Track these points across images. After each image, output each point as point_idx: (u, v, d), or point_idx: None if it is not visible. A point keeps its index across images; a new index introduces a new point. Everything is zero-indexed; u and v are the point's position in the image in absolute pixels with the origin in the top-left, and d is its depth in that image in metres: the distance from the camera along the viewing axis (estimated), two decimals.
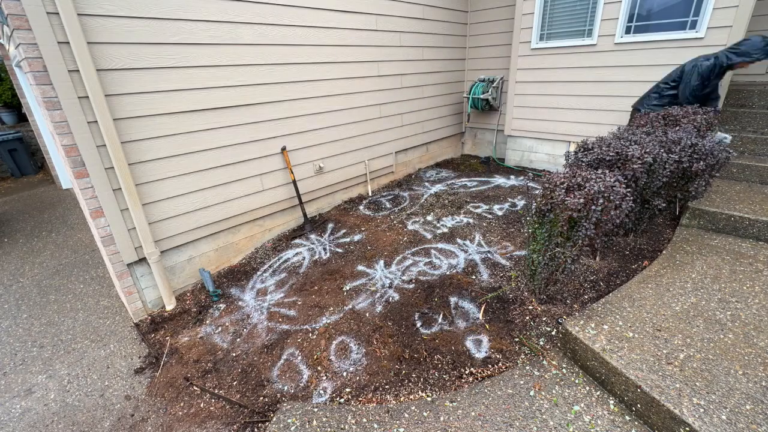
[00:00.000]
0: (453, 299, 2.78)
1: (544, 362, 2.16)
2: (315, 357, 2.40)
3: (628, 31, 4.07)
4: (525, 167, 5.47)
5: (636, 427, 1.75)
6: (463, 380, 2.15)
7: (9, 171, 7.46)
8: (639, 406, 1.77)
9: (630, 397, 1.81)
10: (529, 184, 4.79)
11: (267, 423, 2.01)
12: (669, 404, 1.64)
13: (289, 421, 1.93)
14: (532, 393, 1.97)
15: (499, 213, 4.07)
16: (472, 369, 2.21)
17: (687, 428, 1.57)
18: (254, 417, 2.07)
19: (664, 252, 2.85)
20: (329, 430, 1.87)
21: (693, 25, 3.69)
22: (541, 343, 2.31)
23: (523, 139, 5.41)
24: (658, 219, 3.39)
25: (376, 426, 1.88)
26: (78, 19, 2.30)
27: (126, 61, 2.59)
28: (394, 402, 2.06)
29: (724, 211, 3.00)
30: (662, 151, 2.53)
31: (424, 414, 1.92)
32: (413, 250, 3.50)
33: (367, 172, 4.79)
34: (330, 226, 4.10)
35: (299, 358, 2.43)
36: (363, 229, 3.99)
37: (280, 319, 2.79)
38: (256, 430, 2.01)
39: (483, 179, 5.17)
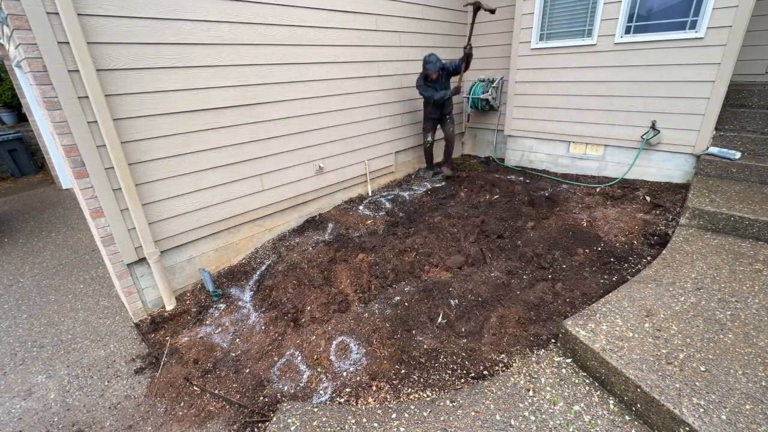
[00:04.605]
0: (453, 300, 2.78)
1: (544, 362, 2.16)
2: (315, 357, 2.40)
3: (628, 31, 4.07)
4: (525, 167, 5.46)
5: (636, 426, 1.75)
6: (463, 380, 2.15)
7: (9, 171, 7.46)
8: (639, 405, 1.77)
9: (630, 397, 1.81)
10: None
11: (267, 423, 2.01)
12: (669, 404, 1.64)
13: (289, 421, 1.93)
14: (531, 393, 1.97)
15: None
16: (473, 368, 2.21)
17: (687, 428, 1.57)
18: (254, 417, 2.08)
19: (664, 252, 2.86)
20: (329, 430, 1.87)
21: (693, 25, 3.69)
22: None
23: (523, 139, 5.40)
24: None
25: (376, 425, 1.88)
26: (78, 19, 2.30)
27: (126, 61, 2.59)
28: (394, 402, 2.06)
29: (724, 211, 3.01)
30: None
31: (424, 414, 1.92)
32: None
33: (367, 172, 4.79)
34: (330, 225, 4.10)
35: (299, 358, 2.43)
36: (363, 229, 3.98)
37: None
38: (256, 430, 2.01)
39: None
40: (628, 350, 1.94)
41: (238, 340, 2.67)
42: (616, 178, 4.54)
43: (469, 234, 3.60)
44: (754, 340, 1.96)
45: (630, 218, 3.55)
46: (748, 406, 1.62)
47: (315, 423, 1.91)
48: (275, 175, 3.72)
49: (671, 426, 1.63)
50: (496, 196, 4.44)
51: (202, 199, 3.21)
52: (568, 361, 2.14)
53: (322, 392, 2.18)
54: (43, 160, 7.69)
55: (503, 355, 2.29)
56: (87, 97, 2.43)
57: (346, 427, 1.88)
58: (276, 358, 2.45)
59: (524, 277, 2.99)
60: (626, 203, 3.91)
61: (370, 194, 4.90)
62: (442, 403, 1.97)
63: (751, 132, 3.94)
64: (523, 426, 1.80)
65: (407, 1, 4.60)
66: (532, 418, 1.83)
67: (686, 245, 2.90)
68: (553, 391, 1.96)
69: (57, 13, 2.24)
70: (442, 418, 1.88)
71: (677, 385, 1.72)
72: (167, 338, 2.77)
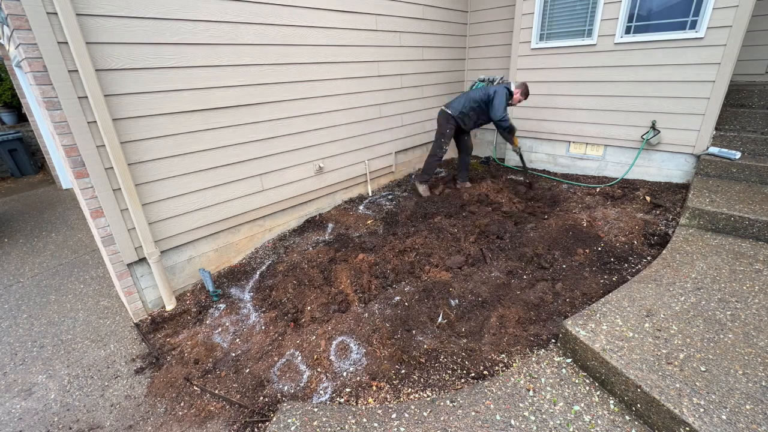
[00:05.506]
0: (453, 300, 2.78)
1: (544, 362, 2.16)
2: (315, 357, 2.40)
3: (628, 31, 4.07)
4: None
5: (636, 426, 1.75)
6: (463, 380, 2.15)
7: (9, 171, 7.46)
8: (639, 406, 1.77)
9: (630, 397, 1.81)
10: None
11: (267, 423, 2.01)
12: (669, 404, 1.64)
13: (290, 421, 1.93)
14: (531, 393, 1.97)
15: None
16: (473, 368, 2.21)
17: (687, 428, 1.57)
18: (254, 417, 2.08)
19: (664, 252, 2.86)
20: (329, 430, 1.87)
21: (693, 25, 3.69)
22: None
23: (523, 139, 5.40)
24: None
25: (376, 425, 1.88)
26: (77, 19, 2.30)
27: (125, 61, 2.59)
28: (394, 402, 2.06)
29: (724, 211, 3.01)
30: None
31: (424, 414, 1.92)
32: None
33: (367, 172, 4.79)
34: (330, 225, 4.10)
35: (299, 358, 2.43)
36: (363, 229, 3.98)
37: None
38: (256, 430, 2.01)
39: None
40: (628, 350, 1.94)
41: (238, 340, 2.67)
42: (616, 178, 4.54)
43: (469, 234, 3.60)
44: (754, 340, 1.96)
45: (630, 218, 3.55)
46: (748, 406, 1.62)
47: (315, 423, 1.91)
48: (275, 175, 3.72)
49: (671, 426, 1.63)
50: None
51: (202, 199, 3.20)
52: (568, 361, 2.14)
53: (322, 392, 2.18)
54: (43, 160, 7.70)
55: (503, 355, 2.29)
56: (87, 97, 2.43)
57: (346, 427, 1.88)
58: (276, 358, 2.45)
59: (524, 277, 2.99)
60: (626, 203, 3.91)
61: (370, 194, 4.90)
62: (442, 403, 1.97)
63: (751, 132, 3.94)
64: (523, 426, 1.80)
65: (407, 1, 4.60)
66: (532, 418, 1.83)
67: (686, 245, 2.90)
68: (553, 391, 1.96)
69: (56, 13, 2.24)
70: (442, 418, 1.88)
71: (677, 385, 1.72)
72: (167, 338, 2.77)
